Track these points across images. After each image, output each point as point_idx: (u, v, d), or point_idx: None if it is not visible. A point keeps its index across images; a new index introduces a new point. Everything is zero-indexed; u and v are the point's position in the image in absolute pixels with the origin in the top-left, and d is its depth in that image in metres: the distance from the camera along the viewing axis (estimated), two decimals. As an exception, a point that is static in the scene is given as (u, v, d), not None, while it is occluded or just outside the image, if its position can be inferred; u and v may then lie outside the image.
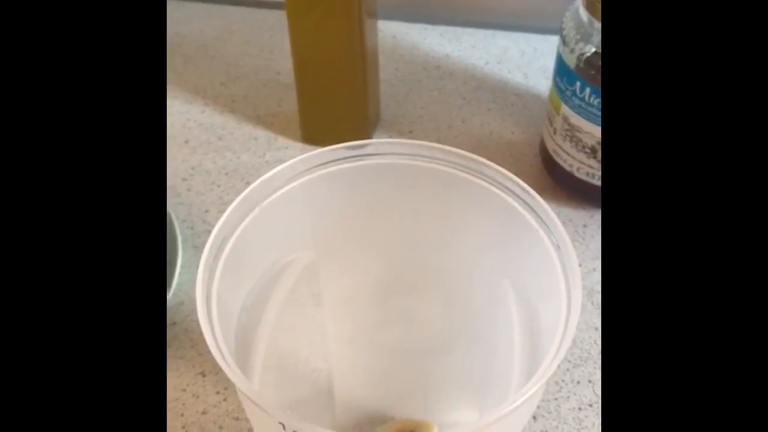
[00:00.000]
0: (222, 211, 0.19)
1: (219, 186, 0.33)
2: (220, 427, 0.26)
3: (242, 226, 0.19)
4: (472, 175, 0.22)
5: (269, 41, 0.41)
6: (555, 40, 0.30)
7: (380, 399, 0.26)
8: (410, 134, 0.35)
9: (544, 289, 0.21)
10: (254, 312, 0.25)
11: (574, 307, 0.18)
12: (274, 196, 0.20)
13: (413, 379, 0.26)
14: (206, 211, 0.33)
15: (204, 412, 0.26)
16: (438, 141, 0.35)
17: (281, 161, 0.21)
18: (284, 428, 0.15)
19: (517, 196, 0.21)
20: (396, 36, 0.41)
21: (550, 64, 0.33)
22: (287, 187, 0.21)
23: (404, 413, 0.26)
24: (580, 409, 0.26)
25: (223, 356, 0.16)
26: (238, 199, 0.19)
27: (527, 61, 0.39)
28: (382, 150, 0.22)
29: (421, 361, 0.26)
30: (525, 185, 0.20)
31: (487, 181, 0.21)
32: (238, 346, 0.19)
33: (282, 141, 0.35)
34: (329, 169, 0.21)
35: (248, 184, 0.19)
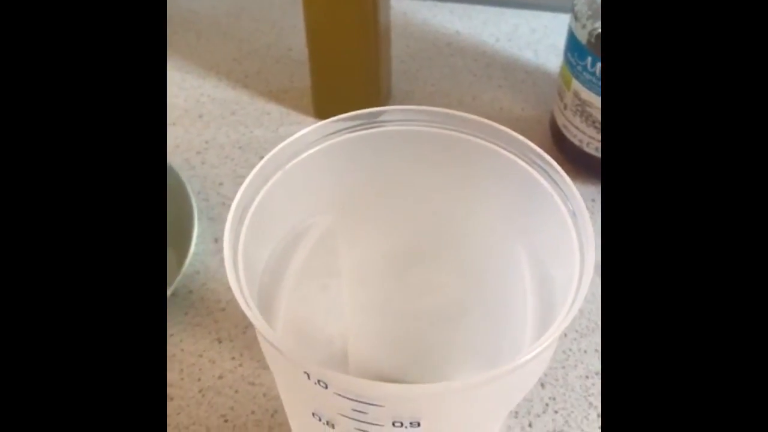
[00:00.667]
0: (237, 184, 0.19)
1: (233, 159, 0.34)
2: (236, 391, 0.26)
3: (265, 188, 0.20)
4: (489, 142, 0.22)
5: (281, 17, 0.41)
6: (565, 18, 0.31)
7: (394, 364, 0.27)
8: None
9: (559, 256, 0.21)
10: (275, 276, 0.26)
11: (587, 269, 0.18)
12: (296, 160, 0.20)
13: (427, 344, 0.26)
14: (220, 184, 0.33)
15: (220, 377, 0.27)
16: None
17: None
18: (309, 377, 0.16)
19: (535, 163, 0.21)
20: (407, 13, 0.41)
21: (560, 41, 0.33)
22: (308, 152, 0.21)
23: (418, 378, 0.26)
24: (587, 377, 0.27)
25: (249, 305, 0.16)
26: (262, 162, 0.19)
27: (537, 38, 0.40)
28: (400, 117, 0.22)
29: (434, 327, 0.26)
30: (543, 153, 0.21)
31: (504, 148, 0.22)
32: (261, 307, 0.20)
33: (294, 116, 0.36)
34: (348, 136, 0.22)
35: (261, 158, 0.20)
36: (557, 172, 0.20)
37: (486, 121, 0.21)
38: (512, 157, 0.22)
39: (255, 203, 0.20)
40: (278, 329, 0.23)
